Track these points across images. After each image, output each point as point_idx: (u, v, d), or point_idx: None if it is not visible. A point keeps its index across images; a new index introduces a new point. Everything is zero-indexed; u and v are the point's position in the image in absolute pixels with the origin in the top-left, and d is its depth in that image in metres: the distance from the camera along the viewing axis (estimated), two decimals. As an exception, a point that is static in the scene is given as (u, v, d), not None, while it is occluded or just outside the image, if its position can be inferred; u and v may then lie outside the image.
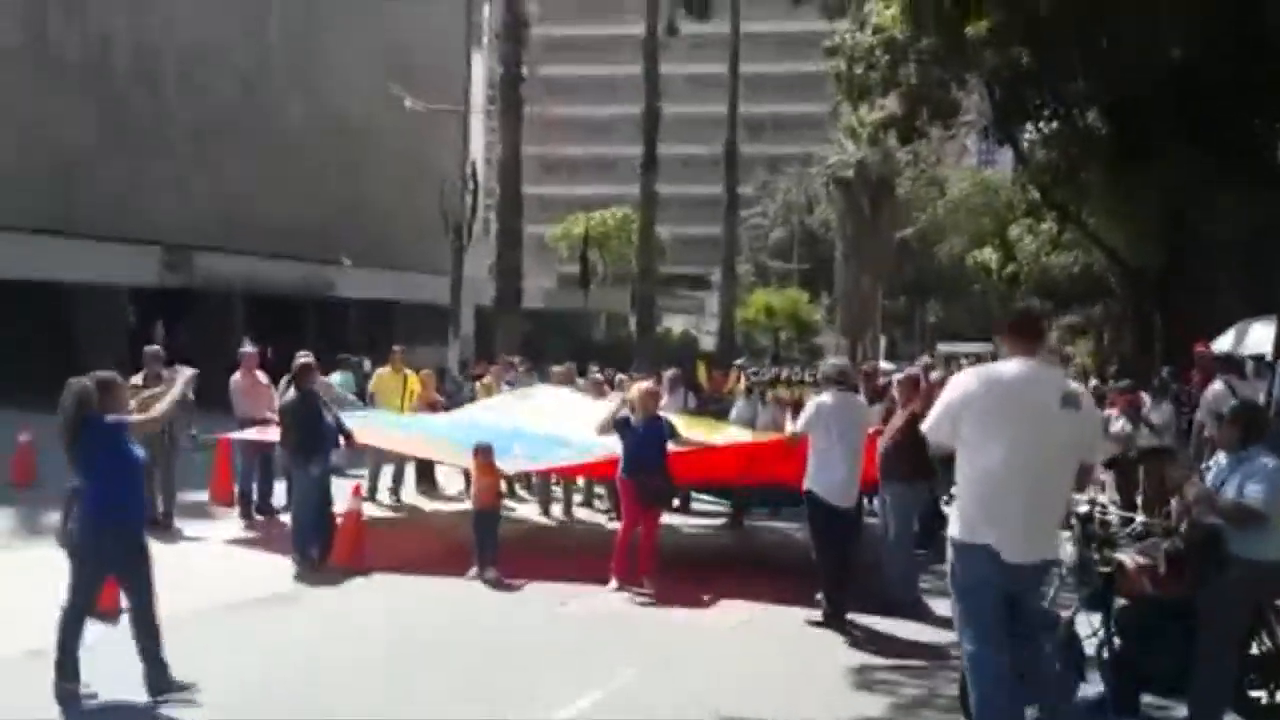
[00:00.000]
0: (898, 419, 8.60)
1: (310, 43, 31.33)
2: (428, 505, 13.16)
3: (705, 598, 8.69)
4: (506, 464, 10.11)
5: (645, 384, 9.49)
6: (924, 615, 8.13)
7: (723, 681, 6.71)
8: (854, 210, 47.53)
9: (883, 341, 50.04)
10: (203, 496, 12.08)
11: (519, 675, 6.73)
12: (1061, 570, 5.46)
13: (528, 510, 13.10)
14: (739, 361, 23.41)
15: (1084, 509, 5.50)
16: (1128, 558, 5.48)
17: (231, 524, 11.19)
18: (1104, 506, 5.64)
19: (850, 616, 7.93)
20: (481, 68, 41.50)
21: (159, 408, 6.22)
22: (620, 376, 15.03)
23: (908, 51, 24.52)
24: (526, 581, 9.11)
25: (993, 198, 41.10)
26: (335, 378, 14.33)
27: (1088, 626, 5.60)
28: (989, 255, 42.35)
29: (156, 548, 9.92)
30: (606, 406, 9.77)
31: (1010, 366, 4.77)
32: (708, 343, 45.45)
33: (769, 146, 73.15)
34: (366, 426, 10.79)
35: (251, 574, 9.20)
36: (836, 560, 7.91)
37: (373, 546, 9.67)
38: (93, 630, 6.32)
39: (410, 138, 31.54)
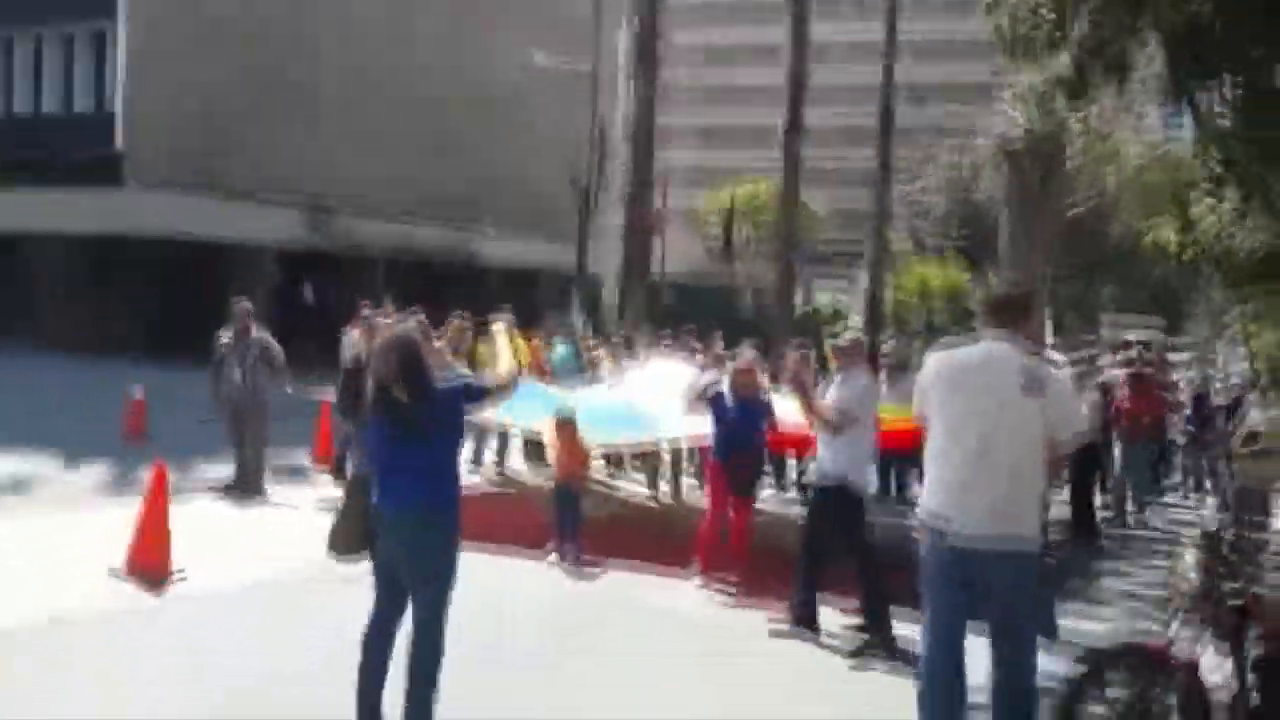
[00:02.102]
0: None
1: (461, 7, 31.30)
2: (533, 477, 12.73)
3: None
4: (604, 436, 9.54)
5: (742, 359, 8.70)
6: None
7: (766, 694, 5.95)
8: (1022, 183, 45.10)
9: (1049, 322, 47.52)
10: (304, 460, 11.93)
11: (550, 673, 6.14)
12: (1183, 603, 4.53)
13: (635, 486, 12.54)
14: (886, 345, 22.31)
15: (1213, 525, 4.55)
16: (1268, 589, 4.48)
17: (326, 489, 10.94)
18: (1239, 523, 4.63)
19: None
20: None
21: (503, 367, 5.04)
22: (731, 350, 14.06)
23: (1076, 4, 22.84)
24: (607, 567, 8.52)
25: (1171, 171, 38.31)
26: (558, 350, 13.97)
27: (1217, 673, 4.60)
28: (1168, 235, 39.59)
29: (238, 513, 9.94)
30: (695, 377, 8.94)
31: (973, 348, 4.78)
32: (858, 320, 43.99)
33: (934, 114, 70.47)
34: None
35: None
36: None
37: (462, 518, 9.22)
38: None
39: (559, 104, 31.22)
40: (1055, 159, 47.79)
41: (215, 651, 6.02)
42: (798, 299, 44.81)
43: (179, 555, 7.44)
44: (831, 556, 7.08)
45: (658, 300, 35.25)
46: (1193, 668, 4.47)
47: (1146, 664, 4.56)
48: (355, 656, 4.73)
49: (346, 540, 4.88)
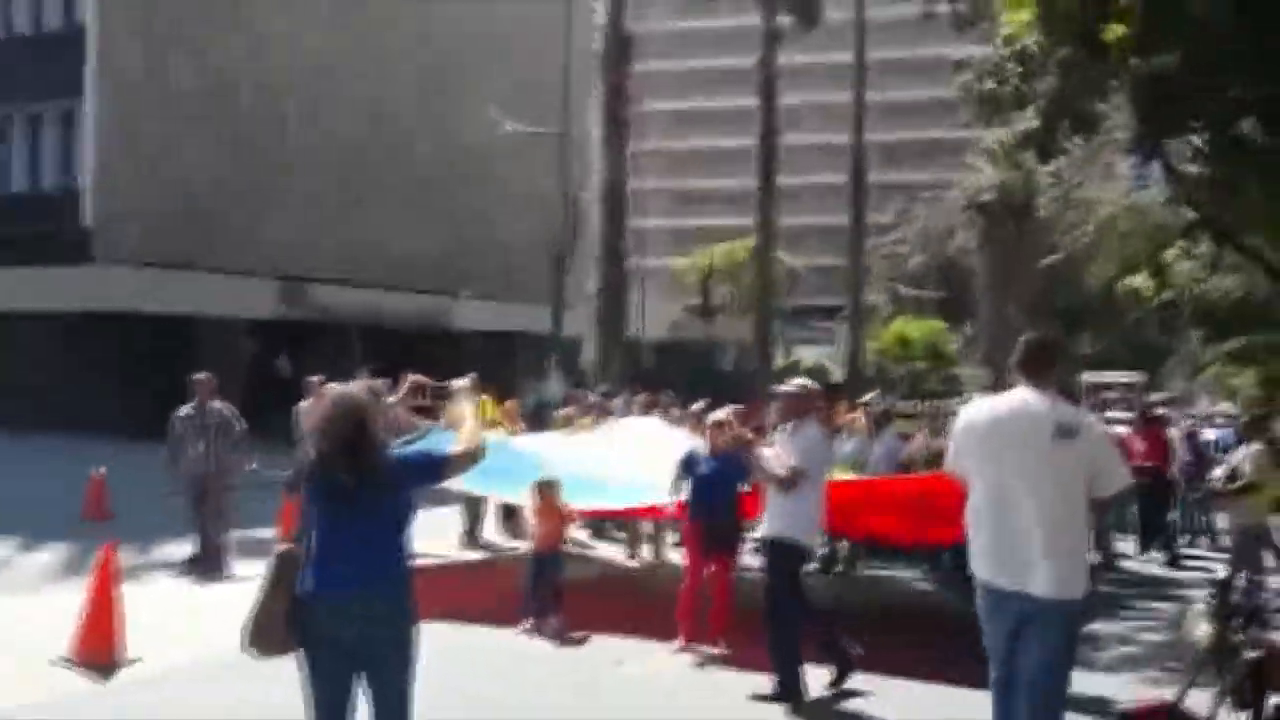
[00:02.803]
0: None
1: (436, 77, 31.40)
2: (509, 544, 12.36)
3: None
4: (585, 500, 9.19)
5: (716, 415, 8.40)
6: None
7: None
8: (995, 236, 45.43)
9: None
10: (269, 533, 11.51)
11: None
12: (1195, 654, 4.24)
13: (615, 550, 12.18)
14: (869, 396, 22.08)
15: (1224, 574, 4.28)
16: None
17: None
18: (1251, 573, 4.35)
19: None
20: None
21: (468, 427, 4.44)
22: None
23: (1042, 62, 22.97)
24: (590, 634, 8.16)
25: (1142, 220, 38.51)
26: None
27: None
28: (1142, 281, 39.73)
29: (199, 592, 9.53)
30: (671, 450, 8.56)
31: (1005, 397, 4.80)
32: (840, 375, 43.87)
33: (906, 174, 71.22)
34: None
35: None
36: None
37: (429, 591, 8.84)
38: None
39: (533, 168, 31.20)
40: (1027, 211, 48.19)
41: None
42: (778, 356, 44.77)
43: (135, 639, 7.07)
44: (802, 613, 6.79)
45: (637, 360, 35.10)
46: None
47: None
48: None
49: (269, 635, 4.04)
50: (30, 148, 26.92)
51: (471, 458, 4.28)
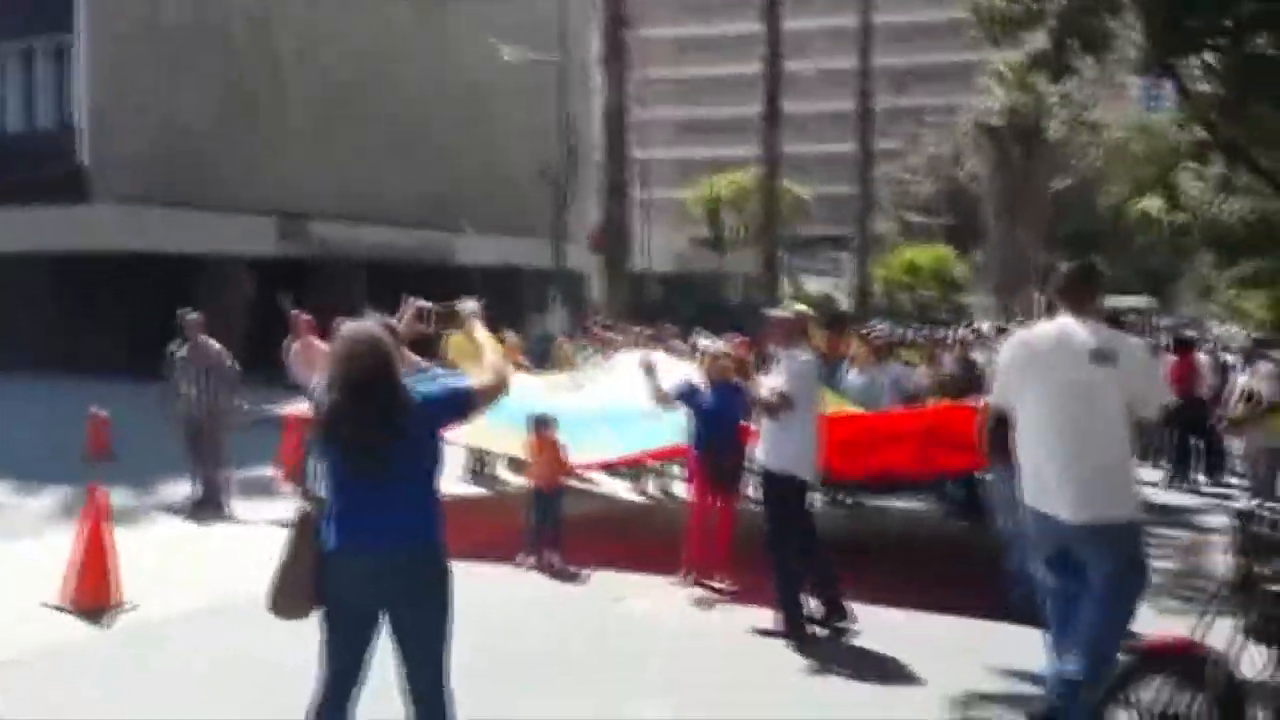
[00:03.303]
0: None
1: (433, 10, 30.76)
2: (516, 480, 12.23)
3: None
4: (586, 452, 9.01)
5: (716, 346, 8.19)
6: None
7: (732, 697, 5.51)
8: (1004, 161, 44.77)
9: (1038, 299, 47.24)
10: (268, 472, 11.43)
11: (523, 689, 5.67)
12: (1217, 588, 4.07)
13: (620, 484, 12.05)
14: (877, 324, 21.82)
15: (1245, 503, 4.09)
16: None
17: (291, 504, 10.42)
18: (1268, 502, 4.15)
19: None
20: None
21: (489, 360, 3.97)
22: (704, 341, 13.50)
23: (1051, -23, 22.34)
24: (592, 570, 8.06)
25: (1154, 142, 37.88)
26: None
27: (1254, 665, 4.13)
28: (1153, 204, 39.28)
29: (198, 534, 9.45)
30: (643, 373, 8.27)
31: (1046, 325, 4.80)
32: (848, 305, 43.60)
33: (915, 99, 70.09)
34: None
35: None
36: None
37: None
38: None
39: (534, 99, 30.70)
40: (1036, 135, 47.53)
41: (148, 691, 5.54)
42: (785, 287, 44.47)
43: (134, 583, 6.98)
44: (802, 547, 6.65)
45: (643, 293, 34.84)
46: (1225, 662, 4.00)
47: (1176, 662, 4.10)
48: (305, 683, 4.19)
49: (293, 598, 3.74)
50: (24, 86, 26.50)
51: (498, 388, 3.89)
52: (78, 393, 16.24)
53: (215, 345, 10.04)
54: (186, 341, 9.99)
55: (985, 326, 16.63)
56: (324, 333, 11.68)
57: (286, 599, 3.73)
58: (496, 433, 8.46)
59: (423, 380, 3.86)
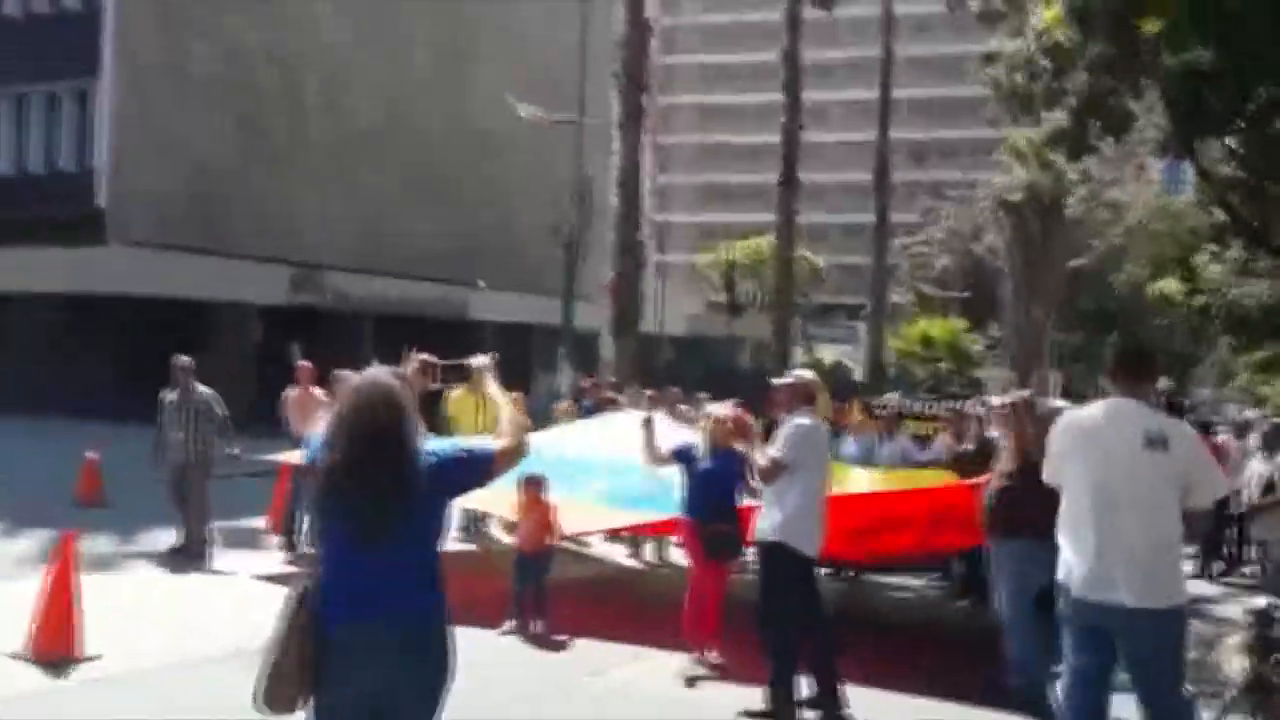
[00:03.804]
0: (1006, 460, 6.85)
1: (454, 64, 31.11)
2: (508, 540, 11.97)
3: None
4: (583, 502, 8.72)
5: (717, 409, 7.98)
6: (1047, 710, 6.42)
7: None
8: (1023, 236, 44.74)
9: (1052, 378, 46.92)
10: (259, 523, 11.21)
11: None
12: (1230, 693, 3.81)
13: (616, 549, 11.78)
14: (888, 397, 21.54)
15: (1261, 603, 3.83)
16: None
17: (276, 556, 10.20)
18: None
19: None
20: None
21: (510, 418, 3.67)
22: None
23: (1074, 58, 22.42)
24: (574, 638, 7.78)
25: (1174, 222, 37.80)
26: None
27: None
28: (1172, 285, 39.07)
29: (174, 583, 9.21)
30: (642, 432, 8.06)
31: (1099, 406, 4.74)
32: (860, 374, 43.36)
33: (933, 172, 70.43)
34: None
35: (261, 618, 8.09)
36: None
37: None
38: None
39: (552, 157, 30.84)
40: (1055, 212, 47.53)
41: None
42: (800, 354, 44.27)
43: (102, 632, 6.74)
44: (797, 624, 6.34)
45: (654, 355, 34.69)
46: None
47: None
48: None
49: (286, 686, 3.26)
50: (46, 128, 26.78)
51: (519, 451, 3.57)
52: (81, 436, 16.13)
53: (205, 391, 9.89)
54: (177, 387, 9.85)
55: (996, 400, 16.34)
56: (328, 383, 11.40)
57: (278, 686, 3.25)
58: (486, 491, 8.22)
59: (435, 441, 3.51)
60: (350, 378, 9.90)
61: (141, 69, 25.10)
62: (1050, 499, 6.66)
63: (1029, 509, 6.47)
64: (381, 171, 28.85)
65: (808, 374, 7.28)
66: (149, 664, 6.65)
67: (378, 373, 3.44)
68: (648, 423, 7.73)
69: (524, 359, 29.79)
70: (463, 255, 30.54)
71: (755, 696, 6.38)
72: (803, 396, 6.64)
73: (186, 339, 23.84)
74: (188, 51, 25.76)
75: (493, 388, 3.89)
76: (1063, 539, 4.66)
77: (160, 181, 24.71)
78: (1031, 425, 6.77)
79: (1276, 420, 12.51)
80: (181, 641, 7.12)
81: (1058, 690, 4.77)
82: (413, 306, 28.81)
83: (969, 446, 9.96)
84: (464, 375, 3.95)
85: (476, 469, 3.50)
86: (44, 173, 26.66)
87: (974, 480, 7.51)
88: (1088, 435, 4.63)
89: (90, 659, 6.54)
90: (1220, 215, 25.42)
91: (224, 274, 24.95)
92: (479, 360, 3.97)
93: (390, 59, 29.33)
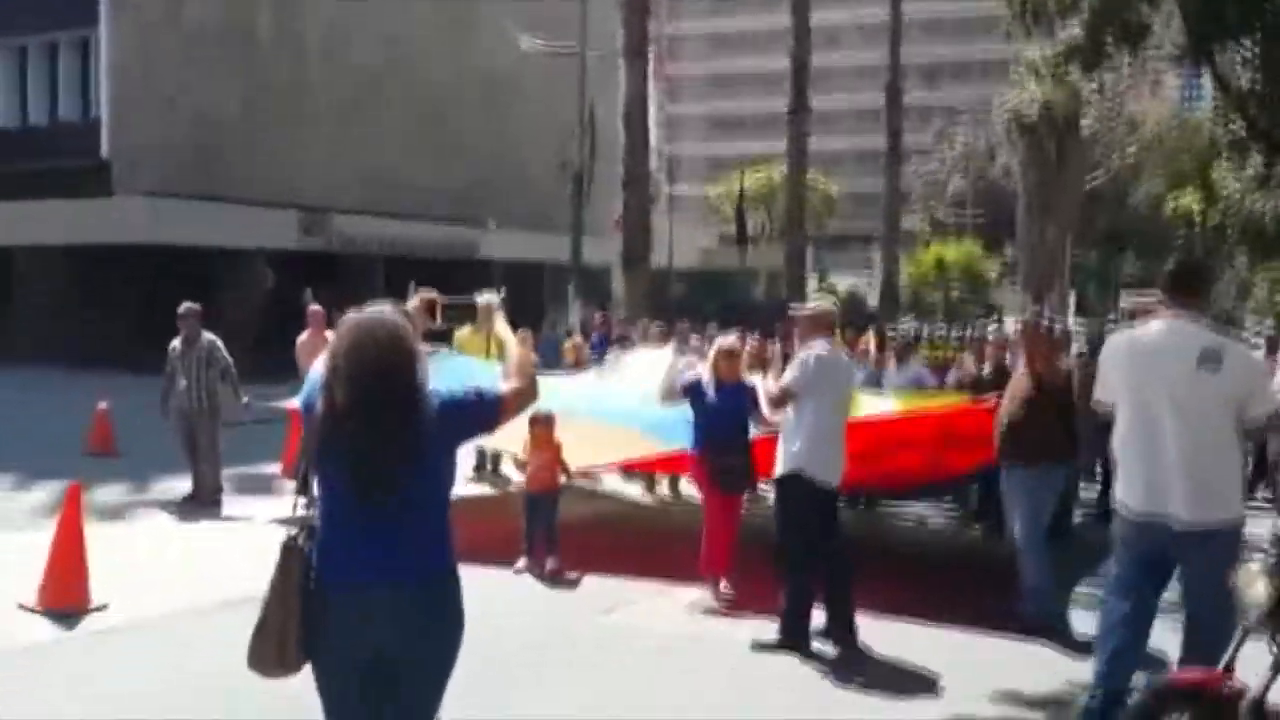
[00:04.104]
0: (1019, 383, 6.72)
1: (457, 4, 30.57)
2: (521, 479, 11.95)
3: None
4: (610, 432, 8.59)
5: (724, 341, 7.85)
6: (1061, 636, 6.37)
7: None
8: (1038, 156, 44.03)
9: (1072, 297, 46.56)
10: (274, 469, 11.20)
11: (494, 694, 5.38)
12: (1248, 621, 3.70)
13: (631, 485, 11.74)
14: (903, 322, 21.42)
15: (1280, 527, 3.71)
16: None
17: (289, 501, 10.17)
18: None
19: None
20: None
21: (514, 358, 3.43)
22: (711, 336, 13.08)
23: (1087, -36, 21.81)
24: (589, 576, 7.75)
25: (1192, 136, 37.14)
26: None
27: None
28: (1189, 201, 38.54)
29: (186, 531, 9.22)
30: (665, 368, 8.05)
31: (1150, 327, 4.72)
32: (875, 301, 43.10)
33: (947, 93, 69.34)
34: None
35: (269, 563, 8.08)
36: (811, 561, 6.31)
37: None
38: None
39: (558, 91, 30.44)
40: (1071, 129, 46.71)
41: (110, 697, 5.28)
42: (813, 284, 43.99)
43: (112, 582, 6.75)
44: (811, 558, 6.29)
45: (667, 289, 34.48)
46: (1260, 702, 3.63)
47: (1204, 696, 3.74)
48: (274, 700, 3.80)
49: (279, 649, 3.07)
50: (48, 78, 26.54)
51: (529, 394, 3.31)
52: (93, 386, 16.18)
53: (210, 338, 9.83)
54: (182, 334, 9.80)
55: (1009, 325, 16.19)
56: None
57: (270, 649, 3.06)
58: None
59: (442, 375, 3.22)
60: (318, 312, 9.64)
61: (140, 18, 24.76)
62: (1063, 423, 6.58)
63: (1042, 433, 6.38)
64: (386, 115, 28.53)
65: (825, 303, 7.16)
66: (156, 613, 6.64)
67: (379, 309, 3.13)
68: (672, 366, 7.65)
69: (536, 296, 29.68)
70: (472, 196, 30.30)
71: (769, 629, 6.35)
72: (819, 326, 6.52)
73: (197, 287, 23.89)
74: (185, 5, 25.38)
75: (500, 325, 3.64)
76: (1119, 456, 4.70)
77: (164, 131, 24.49)
78: (1044, 347, 6.64)
79: None
80: (192, 590, 7.12)
81: (1102, 608, 4.81)
82: (423, 248, 28.67)
83: (986, 371, 9.85)
84: (470, 313, 3.76)
85: (486, 415, 3.23)
86: (47, 124, 26.47)
87: (985, 401, 7.40)
88: (1142, 354, 4.64)
89: (98, 609, 6.54)
90: (1238, 126, 24.92)
91: (231, 221, 24.82)
92: (485, 297, 3.71)
93: (391, 2, 28.86)
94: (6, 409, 16.01)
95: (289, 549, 3.10)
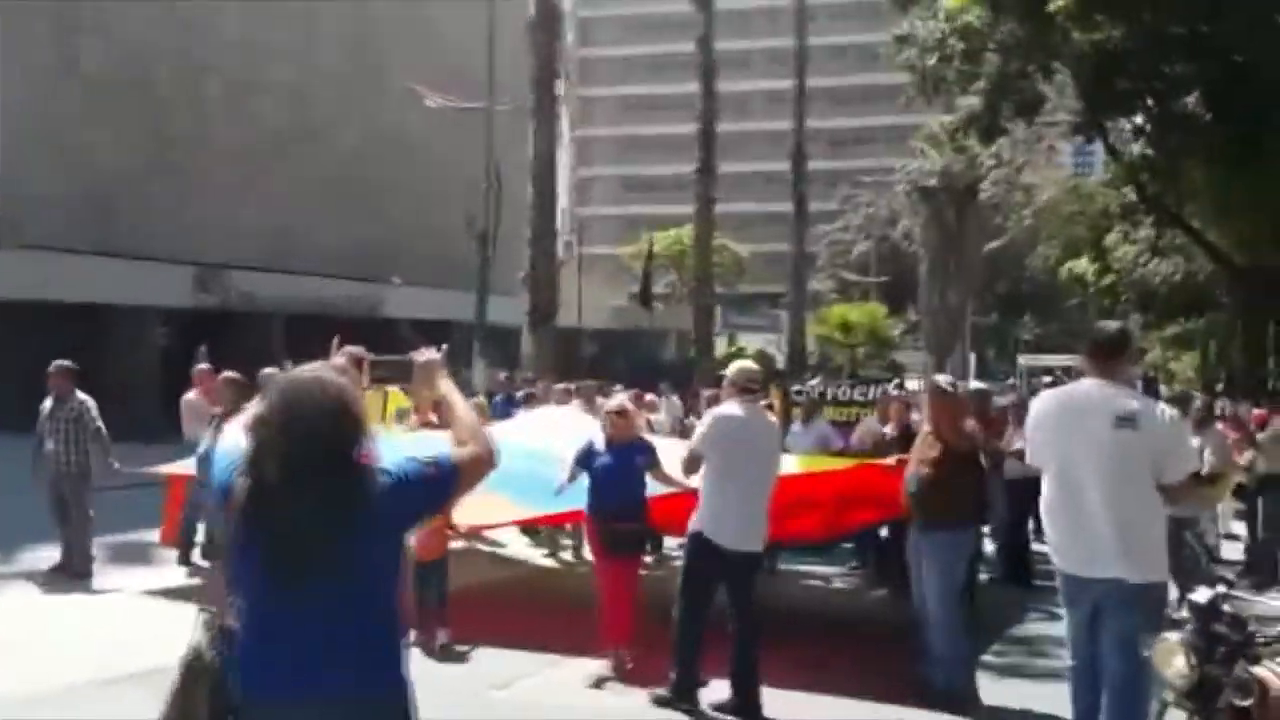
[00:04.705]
0: (927, 444, 6.58)
1: (360, 58, 30.35)
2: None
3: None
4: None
5: (614, 400, 7.63)
6: (971, 707, 6.18)
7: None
8: (938, 221, 45.13)
9: (972, 359, 47.50)
10: (151, 537, 10.59)
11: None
12: (1165, 696, 3.53)
13: (532, 550, 11.38)
14: (812, 381, 21.35)
15: (1204, 596, 3.54)
16: (1275, 672, 3.38)
17: (166, 572, 9.60)
18: (1232, 592, 3.59)
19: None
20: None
21: (468, 425, 2.94)
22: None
23: (985, 39, 22.49)
24: (485, 649, 7.37)
25: (1086, 203, 38.41)
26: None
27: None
28: (1084, 266, 39.70)
29: (51, 603, 8.60)
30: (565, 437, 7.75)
31: (1072, 388, 4.99)
32: (782, 361, 43.41)
33: (852, 160, 70.90)
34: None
35: (144, 638, 7.52)
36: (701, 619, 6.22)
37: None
38: None
39: (464, 149, 30.24)
40: (970, 196, 48.03)
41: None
42: (723, 344, 44.16)
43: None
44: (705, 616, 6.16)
45: (576, 348, 34.27)
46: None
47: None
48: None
49: None
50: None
51: (486, 463, 2.85)
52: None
53: (82, 398, 9.28)
54: (52, 393, 9.25)
55: (912, 385, 16.24)
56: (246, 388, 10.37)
57: None
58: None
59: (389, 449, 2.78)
60: (205, 370, 9.03)
61: (34, 66, 23.98)
62: (973, 485, 6.46)
63: (951, 495, 6.24)
64: (289, 170, 28.01)
65: (747, 363, 7.02)
66: (10, 692, 6.10)
67: (316, 368, 2.70)
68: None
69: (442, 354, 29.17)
70: (377, 253, 29.84)
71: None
72: (735, 387, 6.43)
73: (87, 345, 23.00)
74: (82, 48, 24.70)
75: (445, 386, 3.10)
76: (1045, 519, 4.83)
77: (56, 183, 23.65)
78: (949, 409, 6.54)
79: (1203, 397, 12.52)
80: (43, 673, 6.56)
81: (1068, 680, 4.88)
82: (325, 305, 28.05)
83: (891, 432, 9.75)
84: (402, 372, 3.26)
85: (439, 488, 2.76)
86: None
87: (888, 461, 7.32)
88: (1062, 416, 4.79)
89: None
90: (1130, 194, 25.71)
91: (124, 276, 23.98)
92: (426, 354, 3.20)
93: (294, 54, 28.48)
94: None
95: (194, 659, 2.57)
